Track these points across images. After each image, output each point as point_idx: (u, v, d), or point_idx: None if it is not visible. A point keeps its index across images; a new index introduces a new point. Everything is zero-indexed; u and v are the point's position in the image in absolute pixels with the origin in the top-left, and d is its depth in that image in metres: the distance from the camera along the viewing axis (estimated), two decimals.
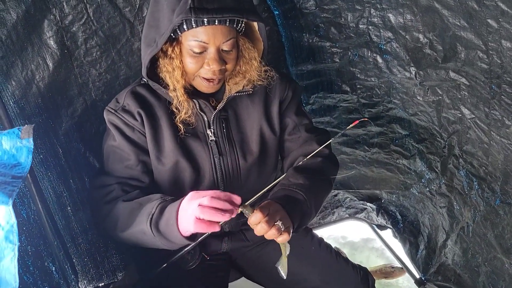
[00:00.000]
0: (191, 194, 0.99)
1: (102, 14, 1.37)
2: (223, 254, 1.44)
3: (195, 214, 0.92)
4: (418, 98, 1.49)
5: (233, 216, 0.93)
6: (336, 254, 1.44)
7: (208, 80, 1.14)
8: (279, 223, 0.96)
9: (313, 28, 1.66)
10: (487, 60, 1.11)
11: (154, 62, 1.16)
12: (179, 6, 1.00)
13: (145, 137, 1.21)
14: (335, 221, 2.39)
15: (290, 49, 1.78)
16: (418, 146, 1.68)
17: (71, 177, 1.41)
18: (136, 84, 1.24)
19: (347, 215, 2.37)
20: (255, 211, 0.95)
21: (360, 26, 1.52)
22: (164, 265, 1.21)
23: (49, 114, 1.35)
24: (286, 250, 1.03)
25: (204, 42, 1.06)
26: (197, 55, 1.08)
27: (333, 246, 1.50)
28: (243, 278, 1.54)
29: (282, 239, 0.98)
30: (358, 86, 1.71)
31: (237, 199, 0.95)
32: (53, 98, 1.36)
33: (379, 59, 1.55)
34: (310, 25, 1.65)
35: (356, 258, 2.26)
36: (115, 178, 1.21)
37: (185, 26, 1.05)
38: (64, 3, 1.30)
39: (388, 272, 2.09)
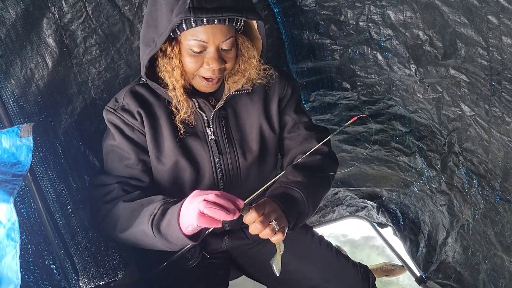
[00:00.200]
0: (194, 192, 0.99)
1: (101, 13, 1.36)
2: (223, 252, 1.44)
3: (199, 207, 0.92)
4: (418, 95, 1.49)
5: (234, 217, 0.93)
6: (337, 252, 1.44)
7: (207, 79, 1.14)
8: (273, 223, 0.96)
9: (313, 26, 1.66)
10: (487, 56, 1.11)
11: (153, 62, 1.16)
12: (177, 5, 1.00)
13: (145, 136, 1.21)
14: (335, 219, 2.39)
15: (290, 46, 1.78)
16: (418, 144, 1.68)
17: (71, 176, 1.41)
18: (135, 83, 1.24)
19: (348, 213, 2.38)
20: (250, 210, 0.95)
21: (360, 23, 1.52)
22: (165, 264, 1.21)
23: (48, 113, 1.35)
24: (280, 249, 1.04)
25: (203, 42, 1.06)
26: (197, 54, 1.08)
27: (333, 244, 1.50)
28: (243, 276, 1.54)
29: (276, 239, 0.99)
30: (358, 83, 1.71)
31: (241, 202, 0.95)
32: (52, 96, 1.35)
33: (379, 56, 1.55)
34: (310, 22, 1.65)
35: (357, 256, 2.26)
36: (115, 177, 1.21)
37: (184, 26, 1.04)
38: (63, 2, 1.30)
39: (389, 270, 2.10)
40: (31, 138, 0.96)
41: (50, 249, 1.27)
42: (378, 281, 1.60)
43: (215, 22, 1.04)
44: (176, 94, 1.14)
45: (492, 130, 1.23)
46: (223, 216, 0.91)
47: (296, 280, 1.38)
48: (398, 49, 1.45)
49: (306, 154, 1.21)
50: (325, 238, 1.50)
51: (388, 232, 2.21)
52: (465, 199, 1.49)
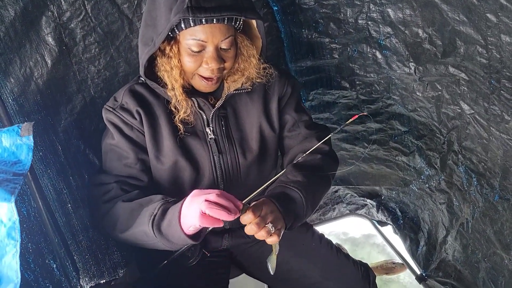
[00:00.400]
0: (194, 191, 0.99)
1: (101, 11, 1.36)
2: (223, 250, 1.44)
3: (201, 208, 0.92)
4: (418, 93, 1.49)
5: (235, 217, 0.94)
6: (337, 250, 1.45)
7: (206, 79, 1.13)
8: (269, 225, 0.97)
9: (312, 24, 1.66)
10: (486, 55, 1.11)
11: (152, 61, 1.16)
12: (176, 5, 1.00)
13: (144, 135, 1.21)
14: (336, 217, 2.39)
15: (289, 45, 1.78)
16: (417, 143, 1.68)
17: (71, 174, 1.41)
18: (134, 83, 1.24)
19: (348, 211, 2.38)
20: (247, 211, 0.96)
21: (359, 21, 1.52)
22: (165, 262, 1.21)
23: (48, 111, 1.35)
24: (275, 250, 1.05)
25: (202, 41, 1.05)
26: (196, 53, 1.08)
27: (334, 242, 1.50)
28: (243, 274, 1.54)
29: (271, 241, 1.00)
30: (357, 82, 1.71)
31: (240, 204, 0.96)
32: (52, 95, 1.35)
33: (379, 55, 1.55)
34: (309, 20, 1.65)
35: (357, 254, 2.26)
36: (114, 176, 1.21)
37: (183, 25, 1.04)
38: (62, 0, 1.30)
39: (389, 268, 2.10)
40: (31, 137, 0.96)
41: (50, 247, 1.27)
42: (379, 279, 1.60)
43: (214, 22, 1.03)
44: (175, 94, 1.14)
45: (491, 128, 1.23)
46: (225, 217, 0.92)
47: (296, 278, 1.38)
48: (398, 47, 1.44)
49: (306, 153, 1.21)
50: (326, 236, 1.50)
51: (388, 230, 2.22)
52: (464, 197, 1.49)
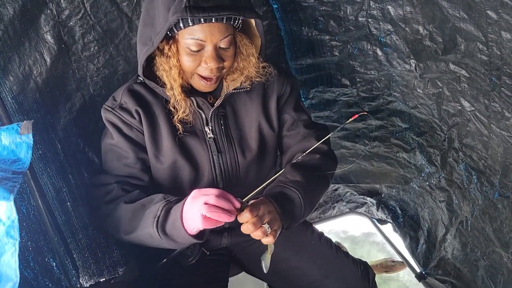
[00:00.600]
0: (193, 192, 0.99)
1: (99, 9, 1.36)
2: (223, 249, 1.44)
3: (201, 212, 0.93)
4: (418, 90, 1.49)
5: (234, 218, 0.96)
6: (336, 248, 1.44)
7: (206, 78, 1.13)
8: (265, 226, 0.98)
9: (312, 22, 1.65)
10: (487, 51, 1.11)
11: (150, 60, 1.15)
12: (174, 4, 0.99)
13: (143, 135, 1.20)
14: (335, 216, 2.39)
15: (289, 43, 1.78)
16: (418, 140, 1.68)
17: (70, 172, 1.41)
18: (132, 82, 1.23)
19: (348, 210, 2.38)
20: (245, 210, 0.97)
21: (360, 18, 1.51)
22: (164, 261, 1.21)
23: (47, 110, 1.35)
24: (270, 249, 1.05)
25: (201, 40, 1.05)
26: (194, 53, 1.07)
27: (334, 240, 1.50)
28: (243, 272, 1.54)
29: (267, 241, 1.00)
30: (358, 79, 1.71)
31: (238, 204, 0.97)
32: (51, 93, 1.35)
33: (379, 52, 1.54)
34: (309, 18, 1.65)
35: (357, 253, 2.26)
36: (114, 176, 1.21)
37: (181, 25, 1.03)
38: None
39: (389, 266, 2.10)
40: (31, 135, 0.96)
41: (50, 246, 1.27)
42: (378, 277, 1.60)
43: (213, 21, 1.03)
44: (174, 93, 1.13)
45: (491, 125, 1.23)
46: (226, 218, 0.93)
47: (296, 276, 1.38)
48: (398, 44, 1.44)
49: (305, 153, 1.21)
50: (325, 234, 1.50)
51: (388, 228, 2.21)
52: (464, 195, 1.49)
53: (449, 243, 1.63)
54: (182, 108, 1.16)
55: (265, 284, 1.59)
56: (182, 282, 1.28)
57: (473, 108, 1.28)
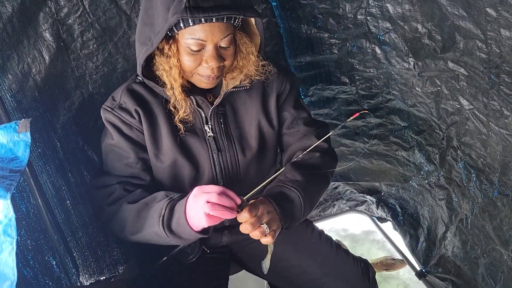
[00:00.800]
0: (195, 190, 1.00)
1: (98, 7, 1.36)
2: (223, 247, 1.44)
3: (204, 210, 0.94)
4: (417, 89, 1.49)
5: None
6: (337, 246, 1.44)
7: (206, 77, 1.13)
8: (264, 226, 0.98)
9: (311, 19, 1.65)
10: (486, 49, 1.11)
11: (149, 60, 1.14)
12: (173, 4, 0.98)
13: (143, 134, 1.20)
14: (335, 214, 2.39)
15: (289, 40, 1.77)
16: (417, 138, 1.68)
17: (70, 171, 1.41)
18: (131, 81, 1.23)
19: (348, 208, 2.38)
20: (244, 209, 0.97)
21: (359, 16, 1.51)
22: (165, 259, 1.21)
23: (46, 108, 1.34)
24: (270, 249, 1.05)
25: (201, 40, 1.04)
26: (195, 53, 1.07)
27: (334, 238, 1.50)
28: (243, 271, 1.54)
29: (265, 241, 1.01)
30: (357, 77, 1.70)
31: (239, 201, 0.97)
32: (50, 91, 1.35)
33: (378, 50, 1.54)
34: (308, 16, 1.64)
35: (357, 251, 2.26)
36: (116, 177, 1.21)
37: (181, 24, 1.03)
38: None
39: (389, 264, 2.10)
40: (28, 133, 0.95)
41: (50, 244, 1.27)
42: (379, 275, 1.60)
43: (213, 21, 1.02)
44: (174, 93, 1.13)
45: (490, 123, 1.22)
46: (228, 216, 0.94)
47: (296, 275, 1.39)
48: (397, 42, 1.44)
49: (305, 152, 1.20)
50: (326, 232, 1.50)
51: (388, 226, 2.21)
52: (463, 193, 1.49)
53: (449, 241, 1.63)
54: (182, 108, 1.15)
55: (266, 282, 1.59)
56: (182, 280, 1.29)
57: (472, 107, 1.28)
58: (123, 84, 1.23)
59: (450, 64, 1.27)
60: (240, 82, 1.22)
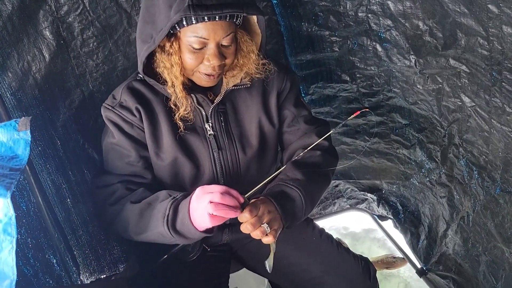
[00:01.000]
0: (197, 190, 1.00)
1: (98, 4, 1.35)
2: (224, 245, 1.44)
3: (208, 211, 0.94)
4: (418, 86, 1.48)
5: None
6: (337, 244, 1.44)
7: (208, 75, 1.13)
8: (265, 225, 0.98)
9: (312, 17, 1.64)
10: (487, 46, 1.10)
11: (150, 57, 1.14)
12: (176, 2, 0.98)
13: (144, 132, 1.20)
14: (336, 212, 2.39)
15: (289, 38, 1.77)
16: (418, 136, 1.67)
17: (70, 169, 1.42)
18: (132, 79, 1.23)
19: (348, 206, 2.37)
20: (245, 209, 0.97)
21: (359, 14, 1.50)
22: (165, 257, 1.21)
23: (46, 106, 1.34)
24: (272, 249, 1.05)
25: (204, 38, 1.04)
26: (197, 51, 1.07)
27: (334, 237, 1.50)
28: (244, 269, 1.54)
29: (266, 241, 1.00)
30: (357, 75, 1.70)
31: (242, 199, 0.97)
32: (50, 89, 1.35)
33: (379, 48, 1.53)
34: (309, 13, 1.64)
35: (358, 249, 2.26)
36: (117, 176, 1.21)
37: (184, 22, 1.02)
38: None
39: (390, 262, 2.10)
40: (28, 132, 0.95)
41: (50, 242, 1.27)
42: (379, 274, 1.60)
43: (216, 19, 1.02)
44: (175, 91, 1.12)
45: (492, 120, 1.22)
46: (232, 215, 0.94)
47: (297, 273, 1.38)
48: (398, 40, 1.43)
49: (306, 150, 1.20)
50: (326, 230, 1.50)
51: (388, 224, 2.21)
52: (465, 191, 1.48)
53: (450, 238, 1.63)
54: (183, 106, 1.15)
55: (266, 280, 1.59)
56: (183, 278, 1.28)
57: (474, 104, 1.27)
58: (124, 82, 1.22)
59: (452, 61, 1.27)
60: (241, 80, 1.22)
